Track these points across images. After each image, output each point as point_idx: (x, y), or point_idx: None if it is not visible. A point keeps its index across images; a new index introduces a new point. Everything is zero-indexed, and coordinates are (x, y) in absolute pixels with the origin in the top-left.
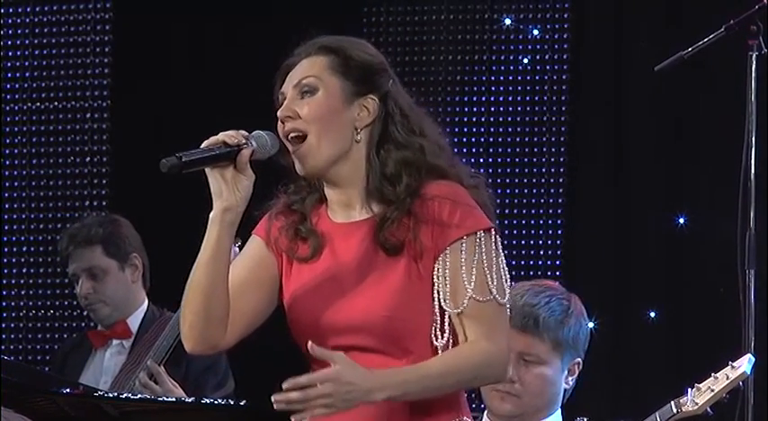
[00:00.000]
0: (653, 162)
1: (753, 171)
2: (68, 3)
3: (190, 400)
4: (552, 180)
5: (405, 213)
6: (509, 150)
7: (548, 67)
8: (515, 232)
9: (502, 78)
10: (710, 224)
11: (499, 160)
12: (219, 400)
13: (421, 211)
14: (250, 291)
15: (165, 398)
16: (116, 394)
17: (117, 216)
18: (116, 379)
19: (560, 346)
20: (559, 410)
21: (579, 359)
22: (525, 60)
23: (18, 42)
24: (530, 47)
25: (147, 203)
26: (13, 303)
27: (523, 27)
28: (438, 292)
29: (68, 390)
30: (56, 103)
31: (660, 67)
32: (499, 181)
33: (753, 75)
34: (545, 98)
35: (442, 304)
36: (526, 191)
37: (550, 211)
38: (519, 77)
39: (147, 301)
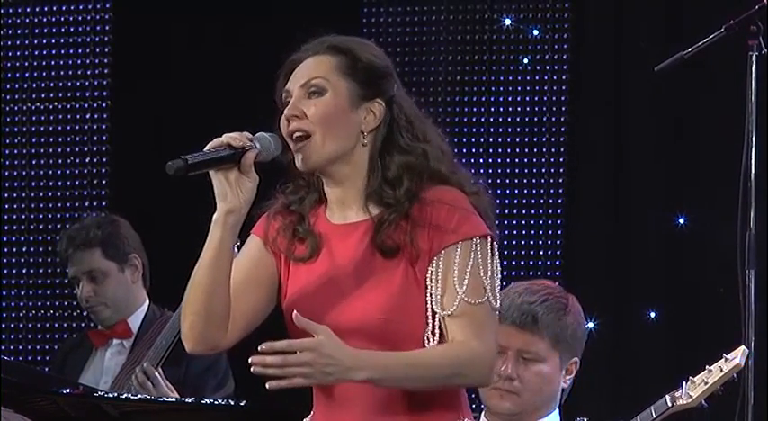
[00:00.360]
0: (653, 162)
1: (753, 171)
2: (68, 3)
3: (190, 400)
4: (552, 180)
5: (402, 216)
6: (509, 150)
7: (548, 67)
8: (515, 232)
9: (502, 78)
10: (710, 224)
11: (499, 160)
12: (219, 400)
13: (419, 215)
14: (249, 290)
15: (166, 399)
16: (116, 394)
17: (115, 216)
18: (116, 379)
19: (559, 344)
20: (557, 410)
21: (577, 359)
22: (525, 60)
23: (18, 42)
24: (530, 47)
25: (147, 203)
26: (13, 303)
27: (523, 27)
28: (430, 295)
29: (68, 390)
30: (56, 103)
31: (660, 67)
32: (499, 181)
33: (753, 75)
34: (545, 98)
35: (433, 306)
36: (526, 191)
37: (550, 211)
38: (519, 77)
39: (147, 301)
